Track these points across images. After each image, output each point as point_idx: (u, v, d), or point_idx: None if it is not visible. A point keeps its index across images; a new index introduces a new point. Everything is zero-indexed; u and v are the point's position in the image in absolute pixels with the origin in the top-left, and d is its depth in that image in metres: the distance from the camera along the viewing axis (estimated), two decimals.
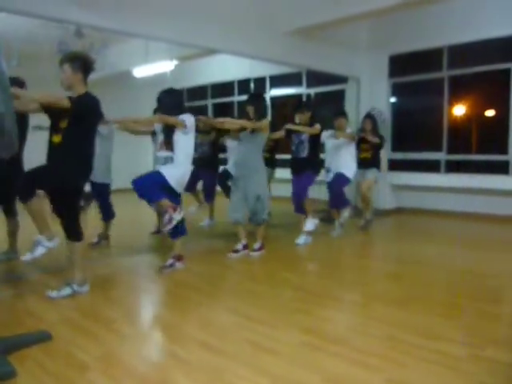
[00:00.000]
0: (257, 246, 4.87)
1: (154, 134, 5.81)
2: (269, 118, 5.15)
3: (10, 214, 4.51)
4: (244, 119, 4.77)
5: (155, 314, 3.46)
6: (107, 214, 5.38)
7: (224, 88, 10.72)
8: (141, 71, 8.35)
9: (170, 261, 4.27)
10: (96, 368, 2.42)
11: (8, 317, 3.16)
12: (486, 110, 7.47)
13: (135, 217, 5.81)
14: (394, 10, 5.95)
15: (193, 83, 11.27)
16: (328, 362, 2.46)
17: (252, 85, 10.20)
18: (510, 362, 2.46)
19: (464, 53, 7.16)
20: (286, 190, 6.16)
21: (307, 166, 5.22)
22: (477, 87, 7.47)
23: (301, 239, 5.36)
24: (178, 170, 4.05)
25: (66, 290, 3.49)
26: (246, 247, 4.87)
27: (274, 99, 9.93)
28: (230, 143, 6.09)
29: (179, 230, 4.20)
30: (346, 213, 5.88)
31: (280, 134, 5.37)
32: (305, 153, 5.20)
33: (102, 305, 3.39)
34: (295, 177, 5.39)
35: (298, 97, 9.32)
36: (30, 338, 2.72)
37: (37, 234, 3.50)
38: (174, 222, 4.03)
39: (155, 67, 8.02)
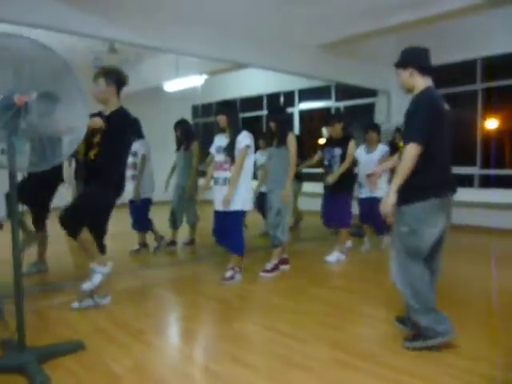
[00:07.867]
0: (269, 266, 4.62)
1: (178, 148, 5.84)
2: (295, 131, 5.17)
3: (40, 226, 4.55)
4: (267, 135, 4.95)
5: (185, 327, 3.46)
6: (145, 225, 5.63)
7: (253, 102, 10.79)
8: (172, 85, 8.50)
9: (230, 272, 4.37)
10: (128, 379, 2.44)
11: (42, 327, 3.23)
12: None
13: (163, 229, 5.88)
14: (423, 22, 5.90)
15: (222, 97, 11.35)
16: (359, 379, 2.41)
17: (282, 98, 10.23)
18: None
19: (498, 65, 7.01)
20: (316, 204, 6.16)
21: (339, 183, 5.05)
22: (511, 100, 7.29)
23: (332, 257, 5.18)
24: (238, 190, 4.19)
25: (88, 302, 3.56)
26: (279, 265, 4.73)
27: (302, 113, 9.94)
28: (259, 157, 6.10)
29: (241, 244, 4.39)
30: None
31: (316, 158, 5.45)
32: (337, 167, 5.11)
33: (132, 316, 3.43)
34: (328, 193, 5.26)
35: (327, 110, 9.29)
36: (63, 348, 2.76)
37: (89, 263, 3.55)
38: (234, 281, 4.32)
39: (186, 81, 8.16)
